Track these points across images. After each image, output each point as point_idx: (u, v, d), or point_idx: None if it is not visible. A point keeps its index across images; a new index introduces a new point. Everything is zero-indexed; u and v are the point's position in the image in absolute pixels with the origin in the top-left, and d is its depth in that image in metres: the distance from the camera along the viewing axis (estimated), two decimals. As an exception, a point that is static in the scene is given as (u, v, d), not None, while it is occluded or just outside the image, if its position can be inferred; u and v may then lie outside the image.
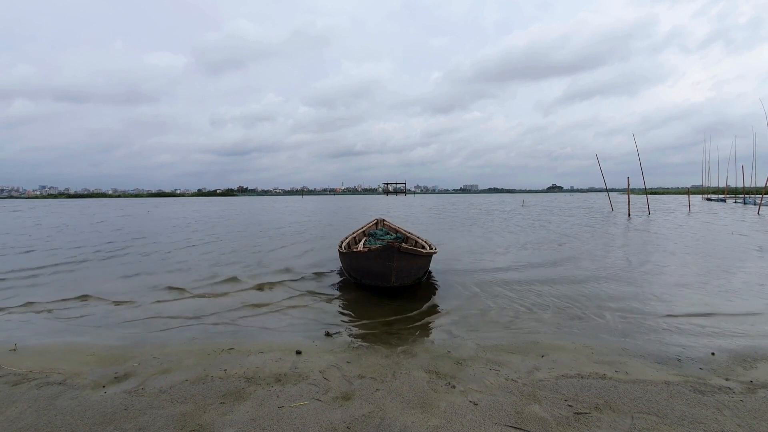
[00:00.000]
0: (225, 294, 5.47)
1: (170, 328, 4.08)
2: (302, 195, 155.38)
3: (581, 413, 2.32)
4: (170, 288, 5.80)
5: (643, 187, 22.65)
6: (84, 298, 5.31)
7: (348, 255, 5.94)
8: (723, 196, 41.03)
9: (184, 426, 2.23)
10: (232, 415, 2.34)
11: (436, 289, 5.58)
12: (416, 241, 7.53)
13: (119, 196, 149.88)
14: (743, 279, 5.97)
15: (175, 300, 5.19)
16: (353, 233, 8.35)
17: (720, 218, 17.65)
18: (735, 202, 32.64)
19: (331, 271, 6.80)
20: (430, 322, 4.22)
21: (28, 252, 9.59)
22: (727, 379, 2.76)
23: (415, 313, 4.51)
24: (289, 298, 5.24)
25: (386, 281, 4.95)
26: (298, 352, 3.30)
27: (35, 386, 2.75)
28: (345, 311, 4.68)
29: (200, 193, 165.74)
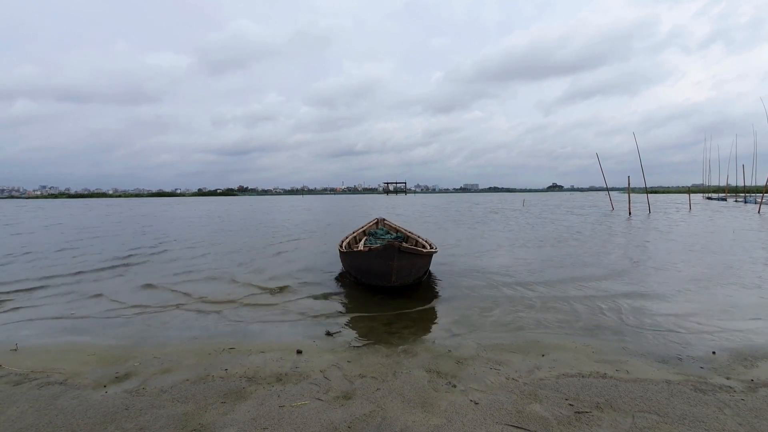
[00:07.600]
0: (225, 294, 5.47)
1: (171, 328, 4.08)
2: (303, 194, 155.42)
3: (582, 412, 2.32)
4: (170, 289, 5.80)
5: (644, 186, 22.64)
6: (86, 297, 5.32)
7: (348, 254, 5.94)
8: (724, 195, 40.94)
9: (185, 425, 2.24)
10: (232, 414, 2.34)
11: (437, 289, 5.58)
12: (417, 241, 7.53)
13: (119, 196, 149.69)
14: (744, 278, 5.96)
15: (175, 300, 5.19)
16: (354, 233, 8.38)
17: (721, 217, 17.64)
18: (736, 201, 32.60)
19: (332, 271, 6.80)
20: (430, 322, 4.22)
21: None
22: (728, 378, 2.76)
23: (415, 312, 4.51)
24: (290, 297, 5.24)
25: (387, 280, 4.95)
26: (299, 352, 3.30)
27: (36, 386, 2.76)
28: (345, 311, 4.68)
29: (200, 193, 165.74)
